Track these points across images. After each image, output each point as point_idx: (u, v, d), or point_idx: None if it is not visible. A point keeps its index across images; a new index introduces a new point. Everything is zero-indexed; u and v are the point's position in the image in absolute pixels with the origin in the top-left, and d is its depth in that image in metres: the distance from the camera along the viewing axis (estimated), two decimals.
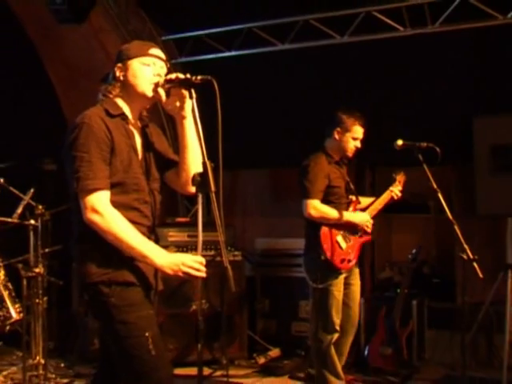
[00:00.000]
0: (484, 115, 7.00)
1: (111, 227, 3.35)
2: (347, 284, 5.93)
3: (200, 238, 3.36)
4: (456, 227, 4.84)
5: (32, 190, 6.37)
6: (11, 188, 6.24)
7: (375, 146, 6.68)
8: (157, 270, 3.62)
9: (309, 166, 5.84)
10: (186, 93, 3.50)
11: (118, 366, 3.54)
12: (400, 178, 6.04)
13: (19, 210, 6.31)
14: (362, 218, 5.89)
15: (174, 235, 7.32)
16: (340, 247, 5.78)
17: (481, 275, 4.75)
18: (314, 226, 5.79)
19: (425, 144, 5.14)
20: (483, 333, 7.14)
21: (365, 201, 6.11)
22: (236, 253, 7.34)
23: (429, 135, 5.24)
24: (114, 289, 3.41)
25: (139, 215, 3.53)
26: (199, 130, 3.45)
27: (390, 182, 6.05)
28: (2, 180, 6.13)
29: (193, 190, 3.53)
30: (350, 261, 5.83)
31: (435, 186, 5.03)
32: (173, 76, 3.50)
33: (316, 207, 5.71)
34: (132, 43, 3.76)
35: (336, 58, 7.48)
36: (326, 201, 5.80)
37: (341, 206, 5.87)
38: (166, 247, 6.89)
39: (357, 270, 6.07)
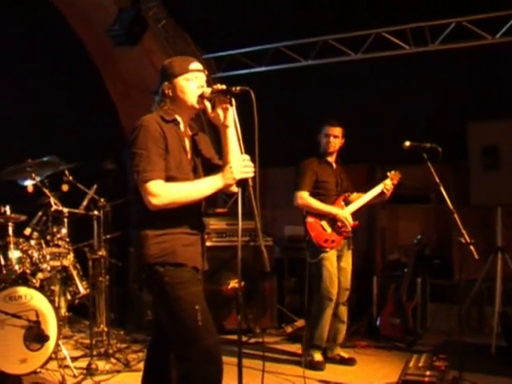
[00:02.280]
0: (476, 121, 6.96)
1: (173, 197, 3.36)
2: (339, 261, 6.02)
3: (240, 225, 3.34)
4: (455, 215, 4.80)
5: (95, 186, 6.41)
6: (78, 184, 6.28)
7: (385, 147, 6.67)
8: (204, 252, 3.64)
9: (300, 165, 6.08)
10: (227, 101, 3.48)
11: (169, 335, 3.53)
12: (393, 175, 6.03)
13: (85, 203, 6.35)
14: (341, 214, 5.90)
15: (214, 223, 7.32)
16: (324, 230, 5.89)
17: (476, 256, 4.70)
18: (305, 212, 5.96)
19: (428, 145, 5.09)
20: (475, 305, 7.12)
21: (358, 195, 6.10)
22: (267, 238, 7.32)
23: (431, 137, 5.19)
24: (168, 269, 3.40)
25: (189, 205, 3.48)
26: (239, 135, 3.46)
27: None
28: (71, 177, 6.16)
29: (235, 189, 3.55)
30: (333, 241, 5.91)
31: (438, 180, 4.99)
32: (216, 87, 3.49)
33: (302, 197, 5.92)
34: (174, 60, 3.69)
35: (351, 73, 7.45)
36: (315, 193, 5.98)
37: (329, 198, 6.02)
38: (207, 234, 7.01)
39: (349, 253, 6.11)
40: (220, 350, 3.46)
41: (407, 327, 6.75)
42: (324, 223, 5.91)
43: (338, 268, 5.99)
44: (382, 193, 5.98)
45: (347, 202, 6.06)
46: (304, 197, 5.91)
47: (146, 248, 3.42)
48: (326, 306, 5.88)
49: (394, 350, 6.53)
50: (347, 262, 6.08)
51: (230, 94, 3.45)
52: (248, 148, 3.44)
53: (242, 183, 3.41)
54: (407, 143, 5.21)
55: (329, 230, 5.91)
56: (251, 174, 3.39)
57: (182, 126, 3.63)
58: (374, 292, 7.38)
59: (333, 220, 5.92)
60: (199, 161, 3.68)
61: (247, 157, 3.43)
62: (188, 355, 3.38)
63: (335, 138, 6.03)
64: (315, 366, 5.84)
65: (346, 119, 6.10)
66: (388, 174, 6.04)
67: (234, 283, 6.96)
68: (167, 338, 3.59)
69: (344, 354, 6.12)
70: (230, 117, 3.53)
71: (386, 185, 5.96)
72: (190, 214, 3.52)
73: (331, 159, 6.14)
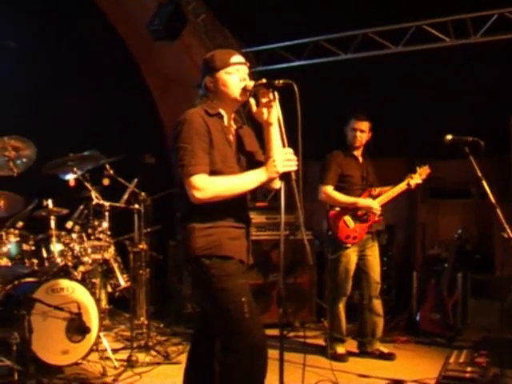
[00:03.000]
0: None
1: (217, 191, 3.38)
2: (365, 255, 6.05)
3: (283, 219, 3.34)
4: (498, 210, 4.72)
5: (136, 180, 6.45)
6: (119, 178, 6.33)
7: (425, 141, 6.62)
8: (249, 246, 3.65)
9: (326, 158, 6.07)
10: (269, 94, 3.47)
11: (215, 327, 3.56)
12: (422, 170, 6.01)
13: (125, 197, 6.40)
14: (366, 203, 5.91)
15: (254, 217, 7.23)
16: (347, 226, 5.91)
17: None
18: (328, 207, 6.00)
19: (470, 138, 5.02)
20: None
21: (383, 189, 6.08)
22: (307, 232, 7.25)
23: (472, 131, 5.12)
24: (214, 261, 3.42)
25: (234, 199, 3.49)
26: (282, 129, 3.47)
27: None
28: (111, 171, 6.22)
29: (277, 186, 3.56)
30: (355, 237, 5.93)
31: (480, 174, 4.92)
32: (259, 81, 3.50)
33: (326, 192, 5.93)
34: (215, 54, 3.68)
35: (392, 66, 7.39)
36: (340, 187, 5.97)
37: (353, 193, 5.99)
38: None
39: (374, 244, 6.12)
40: (266, 343, 3.47)
41: (447, 323, 6.69)
42: (347, 218, 5.93)
43: (364, 263, 6.04)
44: (407, 187, 5.97)
45: (372, 197, 6.03)
46: (328, 191, 5.92)
47: (192, 241, 3.44)
48: (340, 300, 6.03)
49: (434, 346, 6.47)
50: (374, 255, 6.09)
51: (272, 87, 3.45)
52: (290, 141, 3.44)
53: (285, 176, 3.41)
54: (449, 137, 5.14)
55: (351, 225, 5.92)
56: (294, 167, 3.39)
57: (225, 120, 3.64)
58: (413, 287, 7.31)
59: (356, 215, 5.93)
60: (243, 155, 3.68)
61: (290, 150, 3.43)
62: (234, 347, 3.40)
63: (362, 132, 6.00)
64: (338, 359, 5.91)
65: (386, 113, 6.08)
66: (417, 168, 6.02)
67: (273, 277, 6.99)
68: (211, 330, 3.63)
69: (383, 348, 6.10)
70: (273, 114, 3.52)
71: (412, 179, 5.94)
72: (235, 208, 3.53)
73: (357, 153, 6.12)
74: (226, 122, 3.63)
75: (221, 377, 3.54)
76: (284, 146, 3.46)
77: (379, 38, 7.34)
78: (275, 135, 3.57)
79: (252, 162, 3.68)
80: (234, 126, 3.71)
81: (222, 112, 3.62)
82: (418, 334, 6.76)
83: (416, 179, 5.95)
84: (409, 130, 7.55)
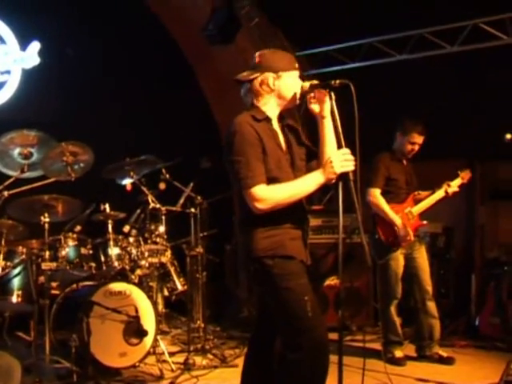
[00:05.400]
0: None
1: (278, 200, 3.36)
2: (413, 258, 5.93)
3: (341, 220, 3.31)
4: None
5: (192, 184, 6.47)
6: (175, 182, 6.36)
7: (485, 141, 6.47)
8: (306, 246, 3.63)
9: (375, 161, 5.94)
10: (326, 94, 3.43)
11: (278, 326, 3.54)
12: (464, 174, 5.94)
13: (182, 201, 6.43)
14: (402, 231, 5.73)
15: (310, 221, 7.18)
16: (393, 227, 5.79)
17: None
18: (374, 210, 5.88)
19: None
20: None
21: (427, 193, 5.98)
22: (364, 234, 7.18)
23: None
24: (277, 261, 3.41)
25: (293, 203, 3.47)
26: (339, 128, 3.41)
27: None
28: (167, 176, 6.26)
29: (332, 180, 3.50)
30: None
31: None
32: (315, 82, 3.46)
33: (375, 196, 5.83)
34: (278, 55, 3.63)
35: (448, 66, 7.26)
36: (386, 191, 5.87)
37: (399, 197, 5.90)
38: None
39: (421, 246, 6.02)
40: (328, 341, 3.45)
41: (507, 327, 6.53)
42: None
43: (413, 265, 5.92)
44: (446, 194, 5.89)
45: (416, 201, 5.95)
46: (376, 195, 5.82)
47: (255, 242, 3.44)
48: (391, 304, 5.95)
49: (493, 351, 6.31)
50: (423, 256, 5.98)
51: (329, 88, 3.41)
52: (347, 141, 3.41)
53: (342, 177, 3.36)
54: (508, 136, 5.04)
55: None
56: (352, 168, 3.35)
57: (273, 122, 3.60)
58: (472, 290, 7.17)
59: (402, 218, 5.80)
60: (295, 151, 3.63)
61: (347, 150, 3.38)
62: (298, 345, 3.38)
63: (418, 145, 5.93)
64: (396, 362, 5.82)
65: (444, 112, 5.94)
66: (459, 172, 5.94)
67: (329, 281, 6.93)
68: (271, 331, 3.63)
69: (442, 352, 5.98)
70: (326, 107, 3.48)
71: (450, 187, 5.87)
72: (294, 209, 3.50)
73: (402, 156, 6.03)
74: (274, 125, 3.60)
75: (283, 375, 3.52)
76: (341, 143, 3.41)
77: (435, 37, 7.20)
78: (329, 129, 3.52)
79: (305, 155, 3.66)
80: (280, 124, 3.66)
81: (270, 115, 3.58)
82: (477, 339, 6.62)
83: (453, 187, 5.90)
84: (468, 129, 7.39)
